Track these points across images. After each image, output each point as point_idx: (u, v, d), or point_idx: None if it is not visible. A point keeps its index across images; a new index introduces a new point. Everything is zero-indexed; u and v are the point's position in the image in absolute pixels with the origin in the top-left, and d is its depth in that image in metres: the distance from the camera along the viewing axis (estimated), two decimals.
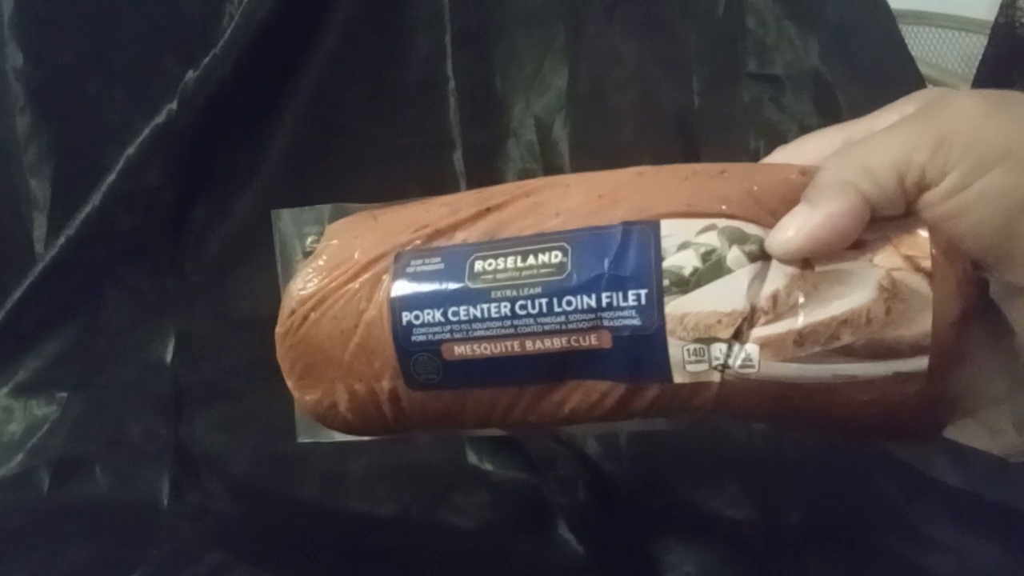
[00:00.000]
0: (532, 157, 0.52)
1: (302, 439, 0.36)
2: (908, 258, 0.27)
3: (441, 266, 0.31)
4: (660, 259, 0.29)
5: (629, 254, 0.29)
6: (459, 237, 0.32)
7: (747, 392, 0.29)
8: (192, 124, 0.47)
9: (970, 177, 0.25)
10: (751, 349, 0.28)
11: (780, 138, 0.52)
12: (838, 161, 0.28)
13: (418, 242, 0.32)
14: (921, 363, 0.27)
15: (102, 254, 0.48)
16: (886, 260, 0.27)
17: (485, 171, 0.52)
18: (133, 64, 0.49)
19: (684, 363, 0.29)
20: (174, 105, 0.46)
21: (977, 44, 0.70)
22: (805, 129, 0.50)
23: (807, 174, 0.29)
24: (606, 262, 0.29)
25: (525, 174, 0.52)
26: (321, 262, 0.33)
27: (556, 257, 0.30)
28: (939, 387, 0.27)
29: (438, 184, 0.52)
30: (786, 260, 0.28)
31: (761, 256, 0.28)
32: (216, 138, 0.49)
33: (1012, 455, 0.29)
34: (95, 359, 0.47)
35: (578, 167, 0.51)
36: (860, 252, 0.27)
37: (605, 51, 0.52)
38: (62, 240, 0.47)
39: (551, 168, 0.52)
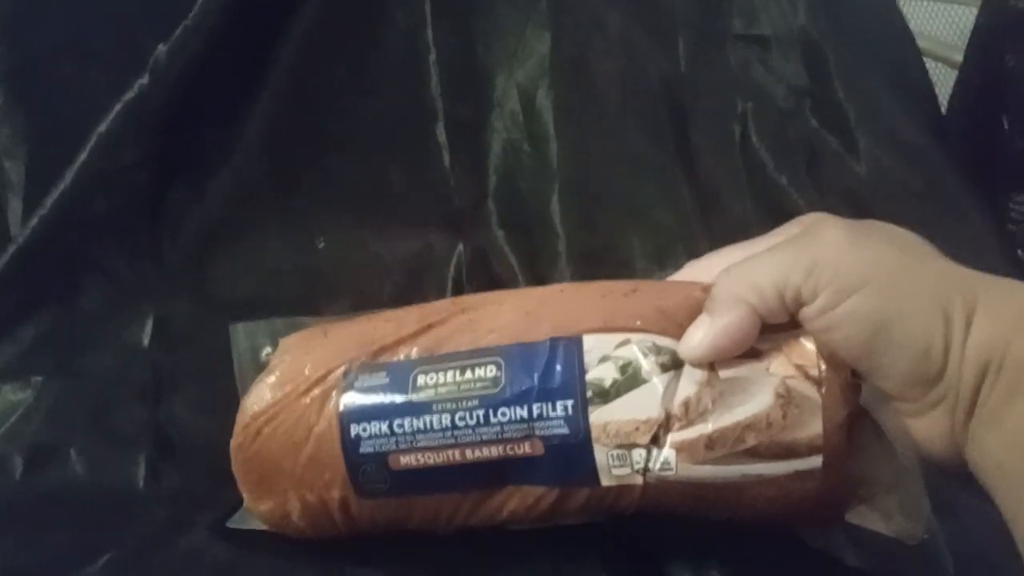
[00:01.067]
0: (516, 127, 0.51)
1: (232, 524, 0.37)
2: (799, 367, 0.31)
3: (386, 380, 0.34)
4: (583, 372, 0.32)
5: (556, 368, 0.32)
6: (402, 352, 0.35)
7: (668, 491, 0.32)
8: (165, 100, 0.47)
9: (836, 299, 0.30)
10: (668, 453, 0.31)
11: (768, 100, 0.51)
12: (729, 277, 0.32)
13: (365, 358, 0.35)
14: (816, 461, 0.30)
15: (77, 236, 0.47)
16: (780, 369, 0.31)
17: (468, 143, 0.51)
18: (109, 44, 0.49)
19: (609, 467, 0.31)
20: (145, 79, 0.45)
21: (968, 15, 0.69)
22: (793, 90, 0.50)
23: (708, 291, 0.33)
24: (536, 376, 0.32)
25: (510, 146, 0.51)
26: (273, 378, 0.36)
27: (491, 371, 0.33)
28: (834, 481, 0.31)
29: (421, 159, 0.51)
30: (695, 365, 0.31)
31: (673, 366, 0.32)
32: (191, 115, 0.48)
33: (904, 538, 0.31)
34: (71, 343, 0.46)
35: (563, 136, 0.50)
36: (758, 361, 0.31)
37: (588, 17, 0.52)
38: (35, 222, 0.46)
39: (536, 138, 0.51)
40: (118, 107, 0.46)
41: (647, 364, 0.32)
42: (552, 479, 0.33)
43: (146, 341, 0.45)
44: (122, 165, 0.47)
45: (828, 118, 0.52)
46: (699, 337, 0.31)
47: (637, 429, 0.31)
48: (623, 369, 0.32)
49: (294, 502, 0.35)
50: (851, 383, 0.31)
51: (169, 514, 0.39)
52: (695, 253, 0.37)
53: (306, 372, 0.35)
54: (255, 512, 0.36)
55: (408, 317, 0.36)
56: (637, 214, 0.50)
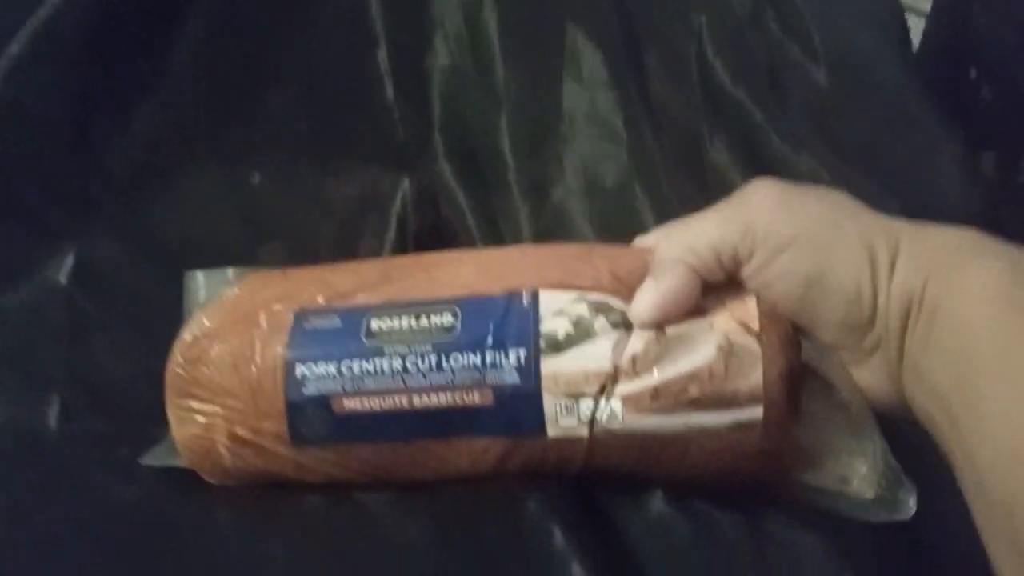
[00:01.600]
0: (460, 49, 0.48)
1: (147, 461, 0.36)
2: (740, 322, 0.32)
3: (339, 324, 0.34)
4: (538, 323, 0.33)
5: (511, 318, 0.33)
6: (360, 299, 0.35)
7: (614, 445, 0.32)
8: (82, 20, 0.43)
9: (770, 257, 0.32)
10: (615, 404, 0.32)
11: (727, 11, 0.49)
12: (668, 241, 0.34)
13: (320, 300, 0.35)
14: (756, 412, 0.31)
15: None
16: (722, 324, 0.32)
17: (411, 70, 0.48)
18: None
19: (557, 417, 0.32)
20: None
21: None
22: None
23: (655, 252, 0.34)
24: (491, 324, 0.33)
25: (454, 71, 0.48)
26: (223, 305, 0.35)
27: (447, 319, 0.33)
28: (775, 435, 0.32)
29: (362, 89, 0.48)
30: (643, 327, 0.32)
31: (623, 324, 0.33)
32: (112, 39, 0.44)
33: (857, 511, 0.32)
34: None
35: (509, 57, 0.49)
36: (702, 318, 0.33)
37: None
38: None
39: (481, 60, 0.48)
40: (29, 28, 0.42)
41: (599, 321, 0.33)
42: (499, 429, 0.33)
43: (64, 279, 0.43)
44: (37, 93, 0.43)
45: (788, 26, 0.51)
46: (645, 300, 0.33)
47: (586, 379, 0.32)
48: (576, 324, 0.33)
49: (222, 436, 0.34)
50: (791, 338, 0.33)
51: (78, 455, 0.38)
52: (648, 174, 0.36)
53: (257, 305, 0.35)
54: (180, 442, 0.35)
55: (370, 269, 0.37)
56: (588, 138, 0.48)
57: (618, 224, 0.45)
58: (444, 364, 0.32)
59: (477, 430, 0.33)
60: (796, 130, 0.47)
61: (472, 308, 0.33)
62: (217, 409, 0.34)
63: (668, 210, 0.43)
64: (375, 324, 0.33)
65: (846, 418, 0.33)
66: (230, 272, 0.37)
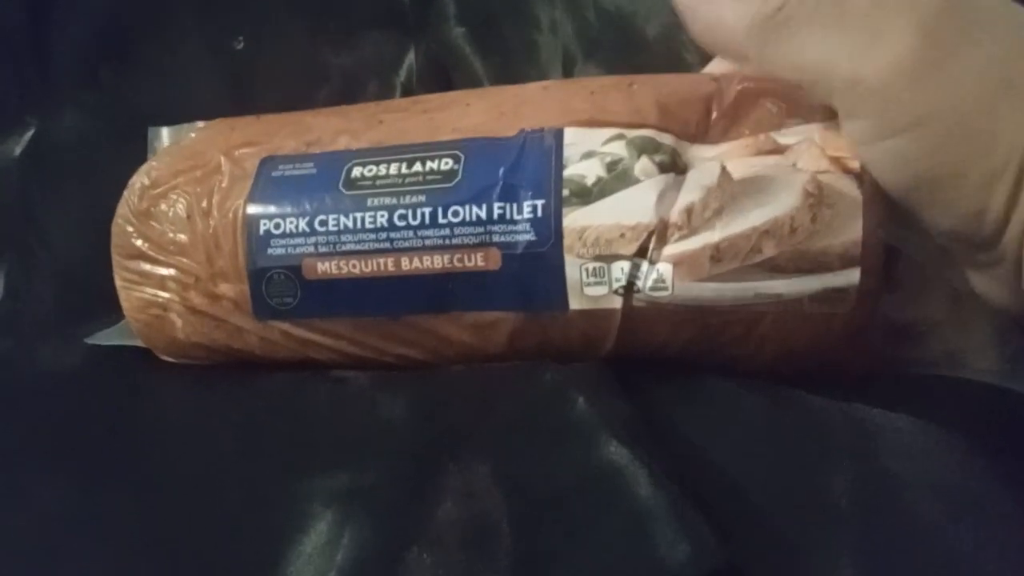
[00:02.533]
0: None
1: (94, 340, 0.32)
2: (835, 159, 0.24)
3: (313, 171, 0.28)
4: (561, 168, 0.26)
5: (526, 162, 0.26)
6: (341, 144, 0.28)
7: (658, 320, 0.25)
8: None
9: (878, 133, 0.23)
10: (663, 269, 0.25)
11: None
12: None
13: (295, 145, 0.29)
14: (852, 277, 0.24)
15: None
16: (811, 163, 0.24)
17: None
18: None
19: (582, 285, 0.25)
20: None
21: None
22: None
23: (720, 80, 0.27)
24: (501, 171, 0.26)
25: None
26: (179, 151, 0.30)
27: (447, 164, 0.27)
28: (872, 307, 0.25)
29: None
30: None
31: (673, 168, 0.25)
32: None
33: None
34: None
35: None
36: (782, 157, 0.25)
37: None
38: None
39: None
40: None
41: (641, 163, 0.25)
42: (508, 302, 0.26)
43: (17, 151, 0.39)
44: None
45: None
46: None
47: (622, 236, 0.25)
48: (611, 167, 0.25)
49: (176, 303, 0.29)
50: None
51: (22, 331, 0.35)
52: None
53: (220, 150, 0.29)
54: (128, 312, 0.30)
55: (358, 112, 0.30)
56: None
57: None
58: (441, 219, 0.26)
59: (481, 302, 0.26)
60: None
61: (478, 151, 0.27)
62: (169, 272, 0.29)
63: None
64: (357, 171, 0.27)
65: (942, 290, 0.26)
66: (200, 126, 0.32)
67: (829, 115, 0.25)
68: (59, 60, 0.40)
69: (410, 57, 0.40)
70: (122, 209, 0.30)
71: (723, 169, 0.25)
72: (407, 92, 0.39)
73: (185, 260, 0.28)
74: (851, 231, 0.24)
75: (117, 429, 0.28)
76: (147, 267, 0.29)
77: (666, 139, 0.26)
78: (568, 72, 0.38)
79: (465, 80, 0.39)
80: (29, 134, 0.39)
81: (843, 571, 0.20)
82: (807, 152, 0.25)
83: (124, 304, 0.30)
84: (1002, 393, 0.25)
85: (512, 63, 0.39)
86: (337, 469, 0.23)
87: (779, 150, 0.25)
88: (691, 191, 0.25)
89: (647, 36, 0.37)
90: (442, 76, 0.39)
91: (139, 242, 0.29)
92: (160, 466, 0.25)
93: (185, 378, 0.30)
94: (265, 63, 0.40)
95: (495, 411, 0.24)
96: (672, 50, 0.36)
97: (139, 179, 0.30)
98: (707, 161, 0.25)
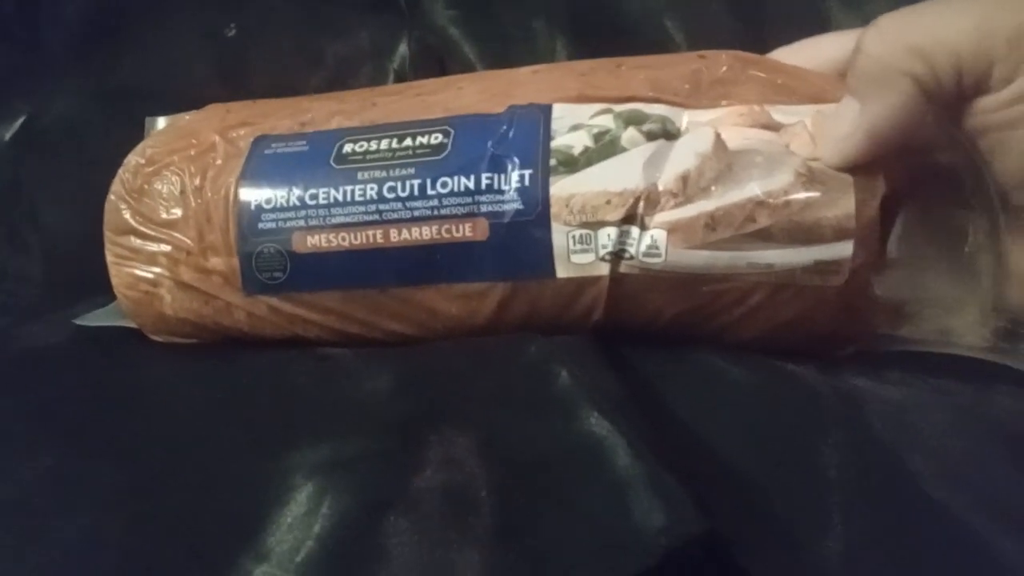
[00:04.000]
0: None
1: (83, 321, 0.32)
2: None
3: (305, 148, 0.28)
4: (548, 139, 0.26)
5: (514, 134, 0.26)
6: (334, 124, 0.29)
7: (649, 289, 0.25)
8: None
9: None
10: (657, 235, 0.25)
11: None
12: (883, 38, 0.23)
13: (289, 125, 0.29)
14: (844, 250, 0.24)
15: None
16: (803, 149, 0.24)
17: None
18: None
19: (569, 252, 0.25)
20: None
21: None
22: None
23: (707, 57, 0.27)
24: (489, 143, 0.26)
25: None
26: (174, 129, 0.30)
27: (436, 139, 0.27)
28: (864, 281, 0.24)
29: None
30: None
31: (663, 135, 0.25)
32: None
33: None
34: None
35: None
36: (777, 135, 0.25)
37: None
38: None
39: None
40: None
41: (628, 132, 0.26)
42: (496, 271, 0.26)
43: (8, 135, 0.39)
44: None
45: None
46: (845, 131, 0.23)
47: (608, 202, 0.25)
48: (598, 137, 0.26)
49: (166, 279, 0.29)
50: (892, 164, 0.25)
51: (11, 312, 0.35)
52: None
53: (215, 130, 0.29)
54: (118, 288, 0.30)
55: (351, 95, 0.31)
56: None
57: None
58: (429, 190, 0.26)
59: (469, 272, 0.26)
60: None
61: (468, 126, 0.27)
62: (160, 247, 0.29)
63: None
64: (348, 147, 0.27)
65: (948, 262, 0.25)
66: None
67: (820, 98, 0.25)
68: (50, 45, 0.41)
69: (403, 41, 0.40)
70: (116, 187, 0.30)
71: (717, 137, 0.25)
72: (400, 78, 0.39)
73: (177, 234, 0.28)
74: (843, 204, 0.24)
75: (103, 404, 0.27)
76: (138, 243, 0.29)
77: (656, 109, 0.26)
78: (559, 58, 0.38)
79: (458, 67, 0.39)
80: (20, 120, 0.39)
81: (834, 537, 0.20)
82: (799, 137, 0.25)
83: (114, 280, 0.30)
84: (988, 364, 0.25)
85: (504, 48, 0.38)
86: (319, 442, 0.23)
87: (774, 127, 0.25)
88: (686, 157, 0.25)
89: (636, 21, 0.37)
90: (435, 63, 0.39)
91: (131, 218, 0.29)
92: (144, 439, 0.25)
93: (172, 356, 0.30)
94: (258, 48, 0.40)
95: (478, 384, 0.24)
96: (660, 34, 0.36)
97: (134, 157, 0.30)
98: (701, 126, 0.25)
